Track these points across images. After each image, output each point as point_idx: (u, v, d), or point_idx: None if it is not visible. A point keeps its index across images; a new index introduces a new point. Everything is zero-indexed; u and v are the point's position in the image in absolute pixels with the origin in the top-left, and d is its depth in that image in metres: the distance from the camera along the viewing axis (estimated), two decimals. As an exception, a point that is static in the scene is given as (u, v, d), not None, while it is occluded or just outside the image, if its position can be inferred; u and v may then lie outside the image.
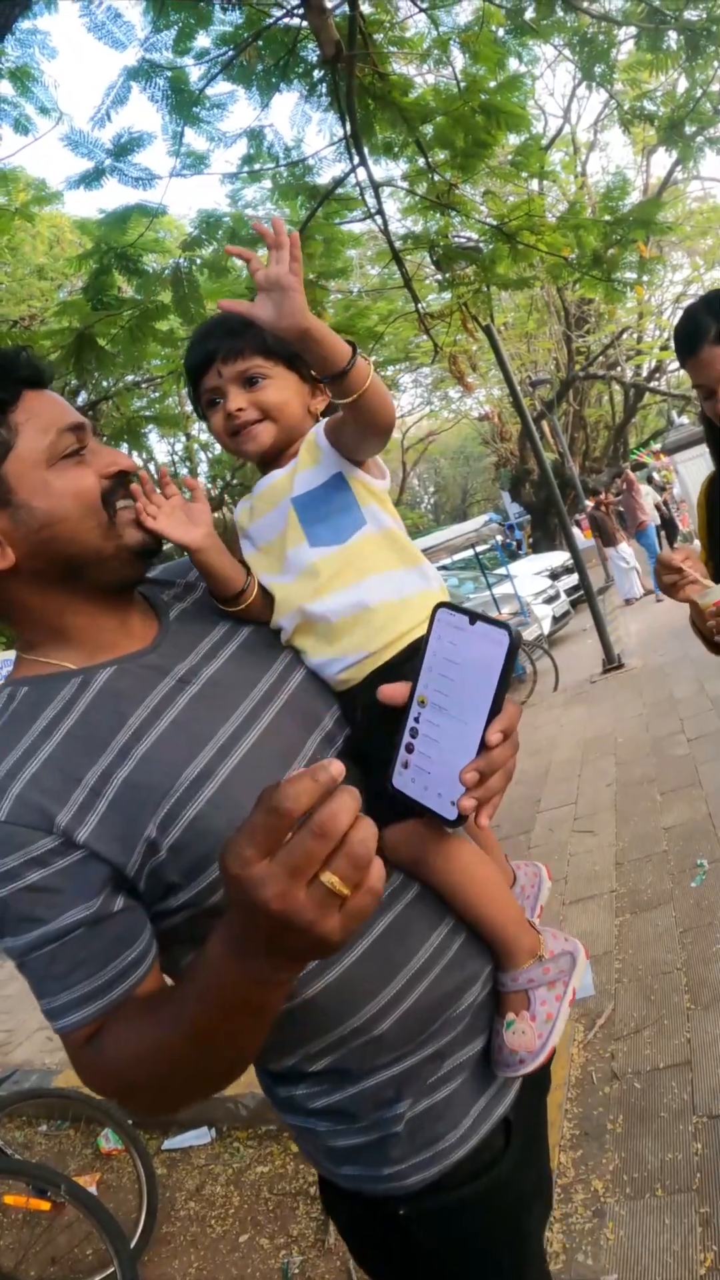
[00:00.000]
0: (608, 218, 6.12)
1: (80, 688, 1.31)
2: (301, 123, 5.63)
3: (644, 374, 29.31)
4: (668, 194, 20.55)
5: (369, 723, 1.40)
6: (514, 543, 26.11)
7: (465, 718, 1.15)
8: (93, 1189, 3.99)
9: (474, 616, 1.16)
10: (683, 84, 6.31)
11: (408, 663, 1.30)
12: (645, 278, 6.84)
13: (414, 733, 1.20)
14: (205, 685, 1.36)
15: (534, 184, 8.43)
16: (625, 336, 26.86)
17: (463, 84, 5.43)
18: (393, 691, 1.25)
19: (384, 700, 1.26)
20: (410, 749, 1.20)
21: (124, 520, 1.36)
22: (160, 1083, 1.16)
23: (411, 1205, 1.38)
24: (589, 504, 19.53)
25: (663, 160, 23.28)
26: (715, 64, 5.48)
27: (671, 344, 2.43)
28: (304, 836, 0.84)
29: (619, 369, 28.23)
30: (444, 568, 19.02)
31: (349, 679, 1.43)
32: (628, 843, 5.77)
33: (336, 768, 0.85)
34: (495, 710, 1.13)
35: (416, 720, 1.20)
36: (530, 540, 28.79)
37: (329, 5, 4.43)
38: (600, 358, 26.47)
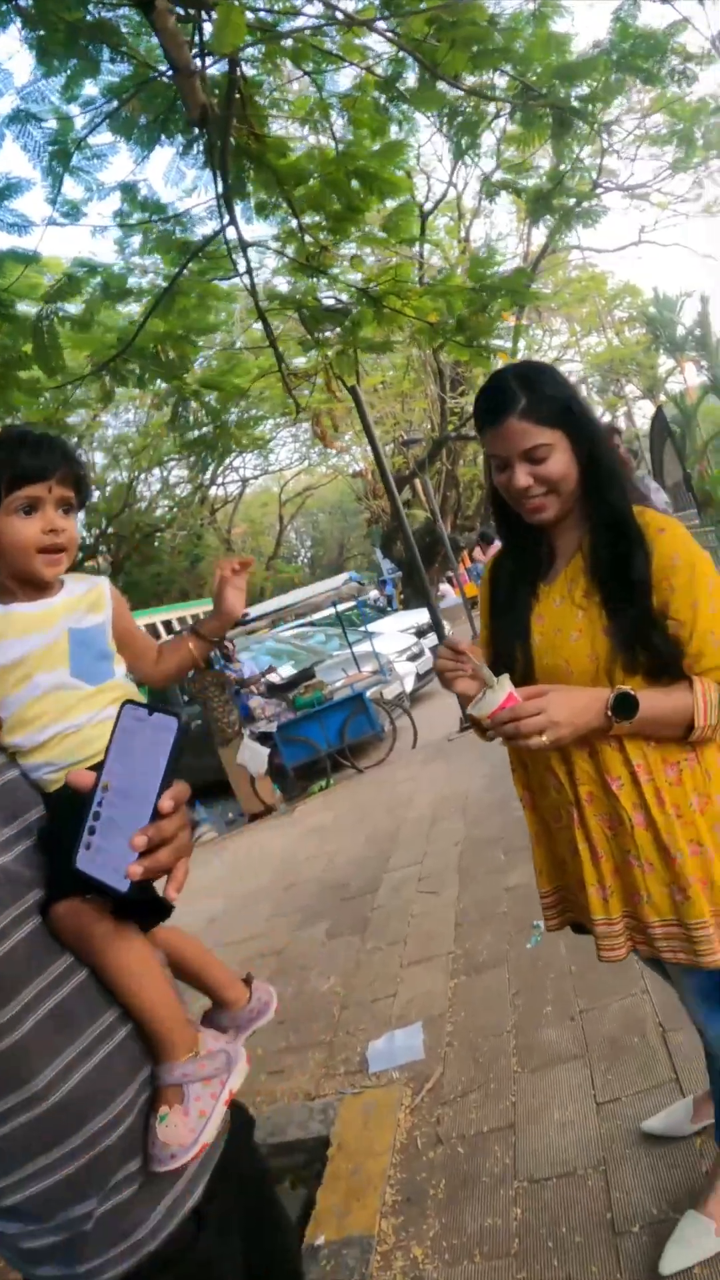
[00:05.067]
0: (474, 285, 6.28)
1: None
2: (176, 178, 5.70)
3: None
4: (547, 262, 21.19)
5: (61, 812, 1.46)
6: (385, 599, 26.39)
7: (140, 796, 1.25)
8: None
9: (151, 708, 1.28)
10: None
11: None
12: (521, 344, 7.07)
13: (96, 815, 1.28)
14: None
15: (414, 248, 8.64)
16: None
17: (340, 148, 5.54)
18: (79, 778, 1.33)
19: (71, 785, 1.34)
20: (93, 830, 1.28)
21: None
22: None
23: None
24: (465, 561, 19.84)
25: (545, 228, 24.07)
26: (579, 138, 5.71)
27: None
28: None
29: (491, 431, 28.87)
30: (311, 624, 19.10)
31: (56, 780, 1.50)
32: (468, 903, 5.79)
33: None
34: (166, 785, 1.24)
35: (99, 804, 1.28)
36: (401, 596, 29.10)
37: (197, 67, 4.46)
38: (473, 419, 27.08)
